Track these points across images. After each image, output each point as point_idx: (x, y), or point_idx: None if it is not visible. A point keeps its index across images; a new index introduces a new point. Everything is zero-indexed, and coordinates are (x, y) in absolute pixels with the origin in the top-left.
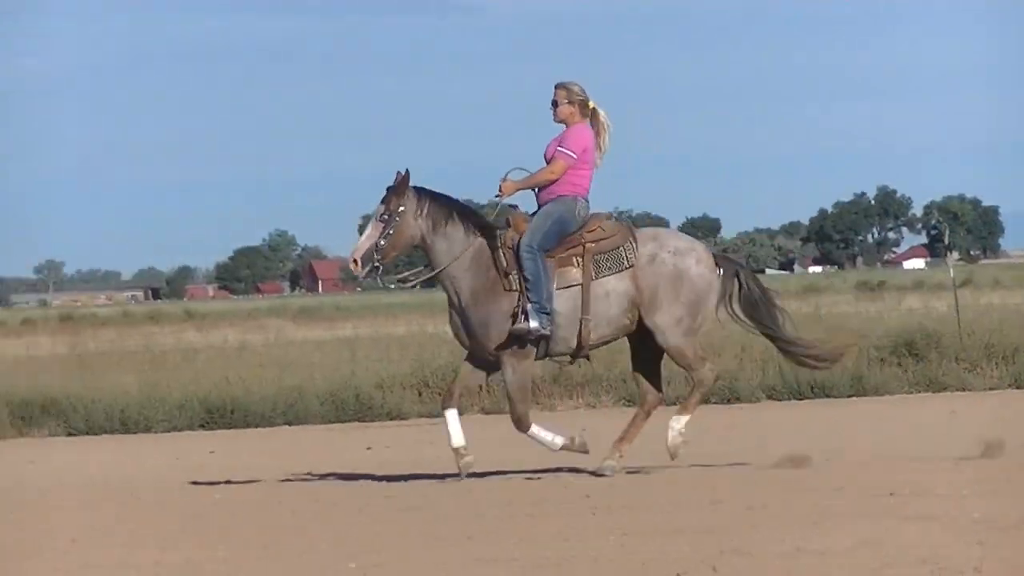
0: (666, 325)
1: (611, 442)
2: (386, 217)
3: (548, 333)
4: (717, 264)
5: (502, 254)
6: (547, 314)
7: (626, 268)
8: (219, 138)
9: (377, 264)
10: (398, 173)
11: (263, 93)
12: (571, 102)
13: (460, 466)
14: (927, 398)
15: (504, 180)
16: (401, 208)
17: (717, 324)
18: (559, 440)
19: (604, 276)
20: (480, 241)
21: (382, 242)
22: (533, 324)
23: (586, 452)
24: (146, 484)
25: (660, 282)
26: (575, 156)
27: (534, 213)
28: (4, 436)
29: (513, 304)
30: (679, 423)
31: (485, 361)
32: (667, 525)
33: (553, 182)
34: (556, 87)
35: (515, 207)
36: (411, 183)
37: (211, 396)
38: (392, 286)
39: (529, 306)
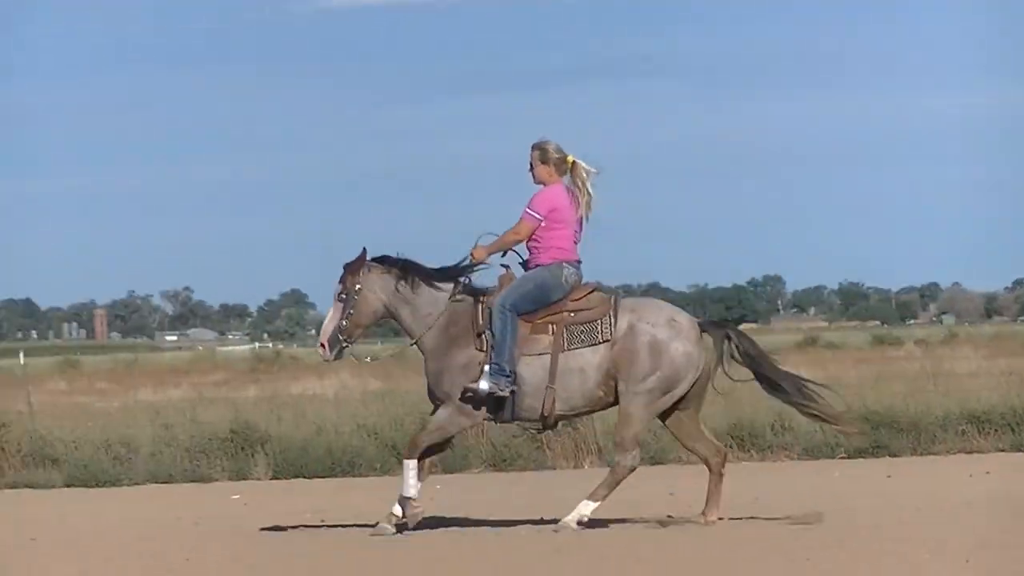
0: (630, 389)
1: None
2: (343, 296)
3: (504, 394)
4: (705, 331)
5: (480, 312)
6: (506, 376)
7: (600, 342)
8: None
9: (345, 344)
10: (362, 251)
11: None
12: (545, 162)
13: (408, 516)
14: None
15: (476, 247)
16: (358, 286)
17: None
18: (410, 493)
19: (576, 348)
20: (449, 303)
21: (344, 322)
22: (483, 385)
23: (405, 526)
24: None
25: (638, 351)
26: (539, 217)
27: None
28: None
29: (470, 358)
30: (586, 508)
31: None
32: None
33: (519, 242)
34: (531, 148)
35: (507, 267)
36: (367, 257)
37: None
38: (367, 360)
39: (487, 366)
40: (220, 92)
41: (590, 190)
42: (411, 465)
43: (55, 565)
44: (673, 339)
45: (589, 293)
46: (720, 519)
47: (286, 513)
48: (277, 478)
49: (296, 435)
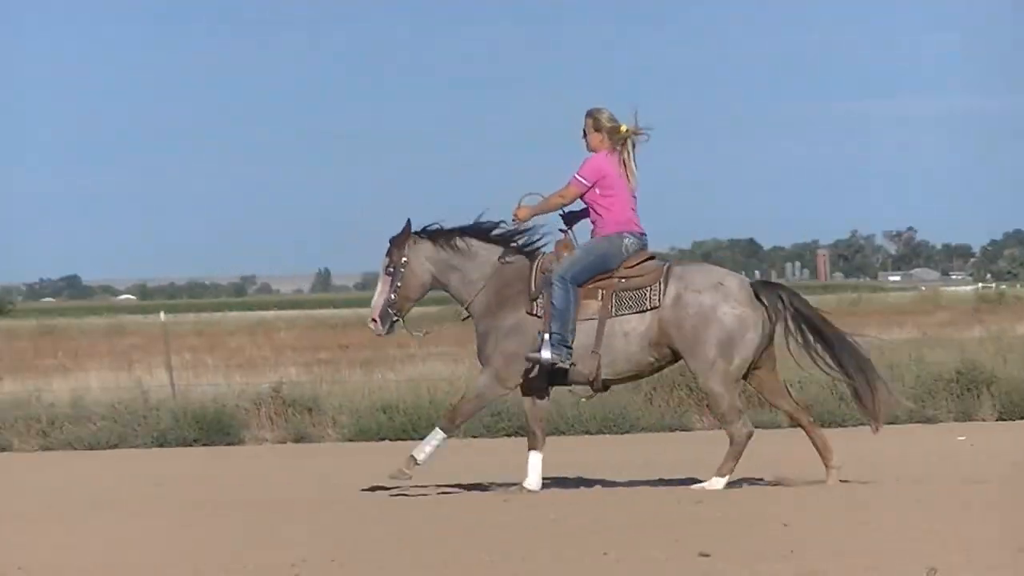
0: (699, 369)
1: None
2: (391, 270)
3: (565, 366)
4: (758, 295)
5: (534, 276)
6: (567, 347)
7: (648, 309)
8: None
9: (396, 318)
10: (406, 225)
11: None
12: (598, 130)
13: (395, 475)
14: None
15: (519, 206)
16: (404, 259)
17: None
18: (421, 458)
19: (624, 314)
20: (497, 257)
21: (393, 296)
22: (545, 355)
23: (406, 478)
24: None
25: (686, 324)
26: (587, 183)
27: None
28: None
29: (519, 321)
30: (718, 484)
31: (538, 387)
32: None
33: (563, 206)
34: (585, 115)
35: (566, 231)
36: (412, 229)
37: None
38: (422, 334)
39: (548, 336)
40: None
41: (635, 165)
42: (438, 437)
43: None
44: (720, 303)
45: (643, 261)
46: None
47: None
48: (1003, 419)
49: (1022, 376)
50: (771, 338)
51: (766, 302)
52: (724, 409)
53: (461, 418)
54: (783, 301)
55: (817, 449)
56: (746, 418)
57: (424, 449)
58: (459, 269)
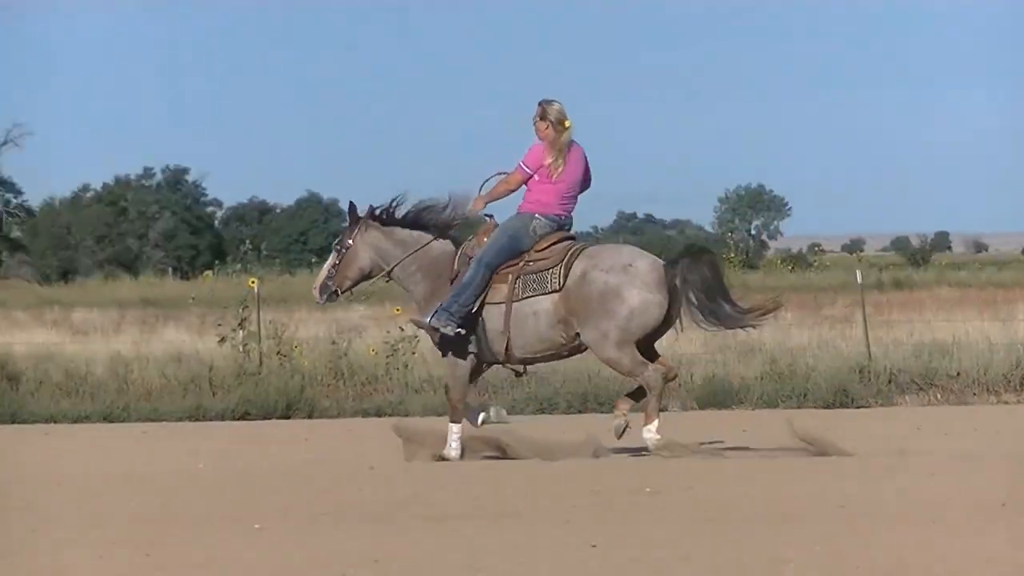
0: (594, 340)
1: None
2: (338, 248)
3: (447, 332)
4: (668, 273)
5: (457, 260)
6: (451, 315)
7: (551, 291)
8: None
9: (335, 290)
10: (350, 205)
11: None
12: (543, 118)
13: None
14: None
15: (478, 196)
16: (349, 240)
17: None
18: (452, 455)
19: (529, 296)
20: (431, 245)
21: (333, 271)
22: (426, 319)
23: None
24: None
25: (588, 299)
26: (529, 171)
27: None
28: None
29: (438, 290)
30: (650, 431)
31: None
32: None
33: (510, 192)
34: (537, 103)
35: (491, 216)
36: (360, 213)
37: None
38: (351, 300)
39: (440, 303)
40: None
41: (564, 149)
42: (455, 429)
43: None
44: (626, 285)
45: (553, 244)
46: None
47: None
48: None
49: None
50: (672, 320)
51: (672, 284)
52: (628, 367)
53: (458, 407)
54: (684, 280)
55: (647, 409)
56: (649, 368)
57: (451, 447)
58: (398, 259)
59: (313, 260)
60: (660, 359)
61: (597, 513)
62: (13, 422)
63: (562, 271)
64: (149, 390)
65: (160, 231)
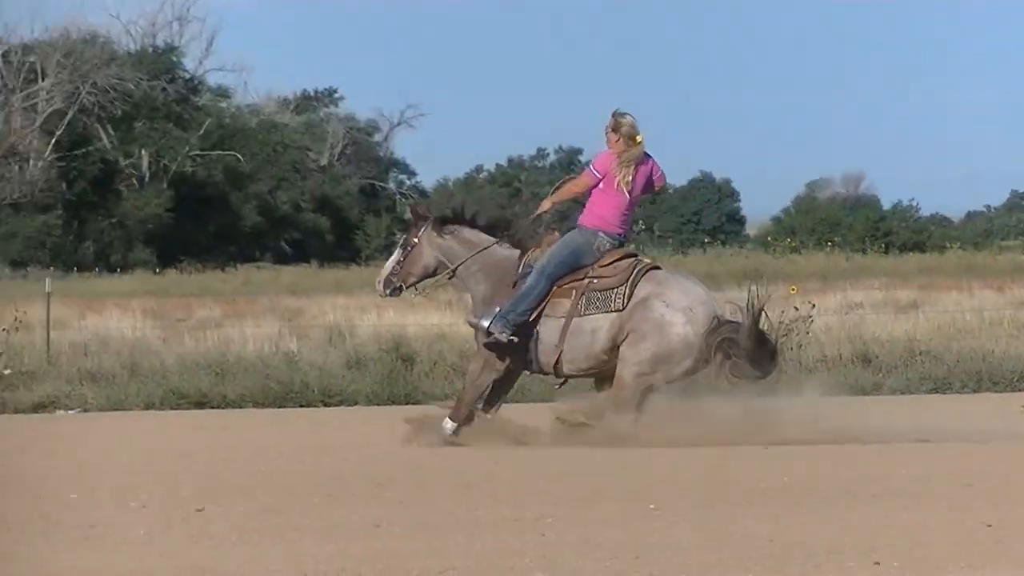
0: (626, 356)
1: None
2: (404, 246)
3: (500, 339)
4: (715, 330)
5: (520, 266)
6: (508, 323)
7: (613, 311)
8: None
9: (399, 285)
10: (414, 207)
11: None
12: (616, 130)
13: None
14: None
15: (548, 197)
16: (415, 239)
17: None
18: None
19: (591, 314)
20: (495, 248)
21: (398, 268)
22: (484, 322)
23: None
24: None
25: (642, 324)
26: (598, 175)
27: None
28: None
29: (497, 293)
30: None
31: (513, 369)
32: None
33: (577, 194)
34: (611, 114)
35: (556, 230)
36: (429, 215)
37: None
38: (415, 295)
39: (499, 308)
40: None
41: (633, 164)
42: (448, 427)
43: None
44: (680, 323)
45: (618, 260)
46: None
47: None
48: None
49: None
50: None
51: (717, 339)
52: (622, 399)
53: (466, 408)
54: (731, 342)
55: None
56: (636, 419)
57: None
58: (463, 258)
59: (706, 241)
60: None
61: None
62: (407, 402)
63: (627, 291)
64: None
65: (554, 212)
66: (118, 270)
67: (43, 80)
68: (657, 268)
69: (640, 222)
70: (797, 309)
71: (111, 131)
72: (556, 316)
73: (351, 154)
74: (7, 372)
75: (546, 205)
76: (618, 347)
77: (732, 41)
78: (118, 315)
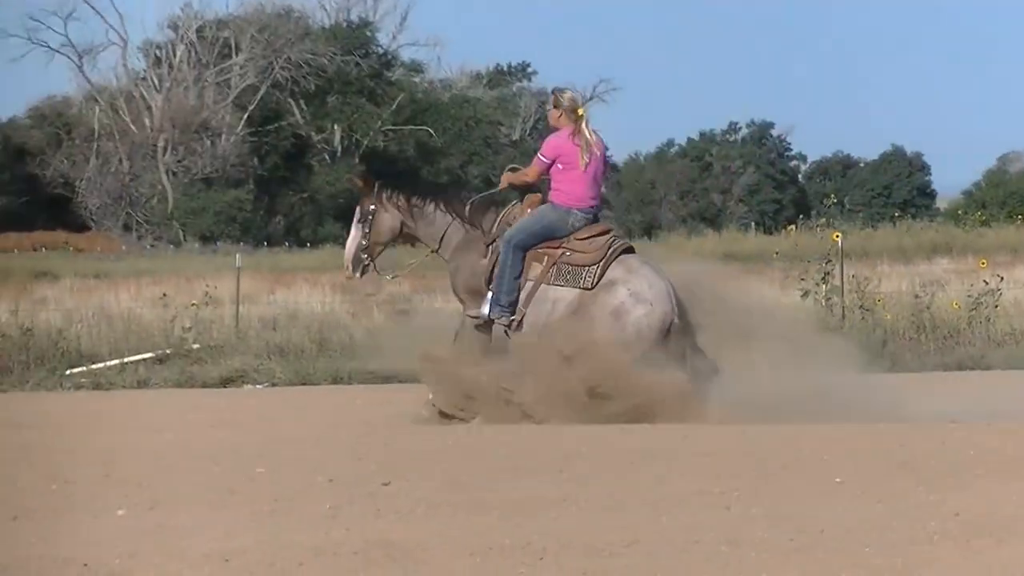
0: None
1: None
2: (361, 219)
3: (503, 323)
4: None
5: (496, 222)
6: (502, 307)
7: (581, 288)
8: None
9: (367, 263)
10: (360, 176)
11: None
12: (557, 107)
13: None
14: None
15: (506, 171)
16: (372, 207)
17: None
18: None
19: (559, 285)
20: (459, 215)
21: (364, 241)
22: (484, 310)
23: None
24: None
25: (601, 307)
26: (547, 161)
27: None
28: None
29: (484, 260)
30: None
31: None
32: None
33: (528, 184)
34: (551, 91)
35: (518, 203)
36: (375, 181)
37: None
38: (389, 277)
39: (490, 294)
40: None
41: (588, 136)
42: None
43: None
44: (642, 315)
45: (596, 236)
46: None
47: None
48: None
49: None
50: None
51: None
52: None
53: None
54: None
55: None
56: None
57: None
58: (425, 217)
59: (896, 215)
60: None
61: None
62: None
63: (598, 272)
64: None
65: (744, 186)
66: (308, 245)
67: (237, 55)
68: (631, 251)
69: (832, 195)
70: (987, 283)
71: (304, 106)
72: (526, 279)
73: (543, 128)
74: (196, 347)
75: (505, 181)
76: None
77: (923, 13)
78: (307, 290)
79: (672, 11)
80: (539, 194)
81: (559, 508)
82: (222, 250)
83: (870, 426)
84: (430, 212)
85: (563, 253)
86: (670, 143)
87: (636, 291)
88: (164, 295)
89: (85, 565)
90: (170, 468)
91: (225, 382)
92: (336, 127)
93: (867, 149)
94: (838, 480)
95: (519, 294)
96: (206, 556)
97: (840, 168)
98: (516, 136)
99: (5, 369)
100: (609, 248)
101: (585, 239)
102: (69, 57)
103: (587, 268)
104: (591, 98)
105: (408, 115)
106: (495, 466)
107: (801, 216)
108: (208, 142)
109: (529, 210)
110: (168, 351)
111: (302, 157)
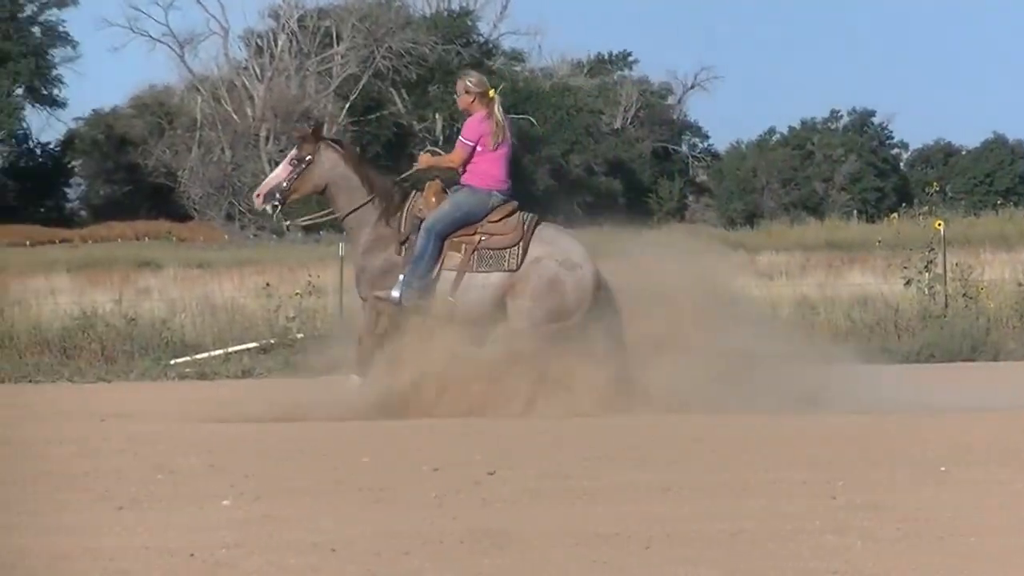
0: (516, 310)
1: None
2: (295, 161)
3: (407, 305)
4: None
5: (404, 217)
6: (414, 289)
7: (506, 271)
8: None
9: (278, 203)
10: (312, 127)
11: None
12: (468, 92)
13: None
14: None
15: (423, 152)
16: (309, 156)
17: None
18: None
19: (483, 271)
20: (379, 200)
21: (285, 184)
22: (395, 293)
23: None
24: None
25: (535, 281)
26: (471, 144)
27: (455, 190)
28: None
29: (388, 262)
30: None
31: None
32: None
33: (453, 168)
34: (457, 78)
35: (437, 177)
36: (323, 132)
37: None
38: (286, 224)
39: (402, 276)
40: None
41: (500, 118)
42: (356, 382)
43: None
44: (572, 282)
45: (507, 216)
46: None
47: None
48: None
49: None
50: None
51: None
52: (530, 346)
53: (366, 360)
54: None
55: None
56: None
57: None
58: (348, 188)
59: (998, 202)
60: None
61: None
62: None
63: (520, 252)
64: (835, 332)
65: (846, 174)
66: None
67: (338, 45)
68: (541, 224)
69: (934, 183)
70: None
71: (405, 95)
72: (448, 268)
73: (644, 117)
74: (300, 336)
75: (426, 161)
76: (506, 303)
77: None
78: None
79: None
80: (439, 181)
81: (664, 497)
82: (325, 239)
83: (973, 415)
84: (356, 186)
85: (481, 239)
86: (771, 131)
87: (564, 259)
88: (267, 284)
89: (192, 555)
90: (275, 458)
91: (329, 371)
92: (437, 116)
93: (969, 137)
94: (943, 469)
95: (431, 280)
96: (312, 546)
97: (942, 156)
98: (617, 125)
99: (110, 359)
100: (523, 226)
101: (498, 221)
102: (170, 46)
103: (508, 250)
104: (692, 86)
105: (509, 104)
106: (599, 454)
107: (903, 204)
108: (309, 131)
109: (434, 198)
110: (272, 341)
111: (404, 146)
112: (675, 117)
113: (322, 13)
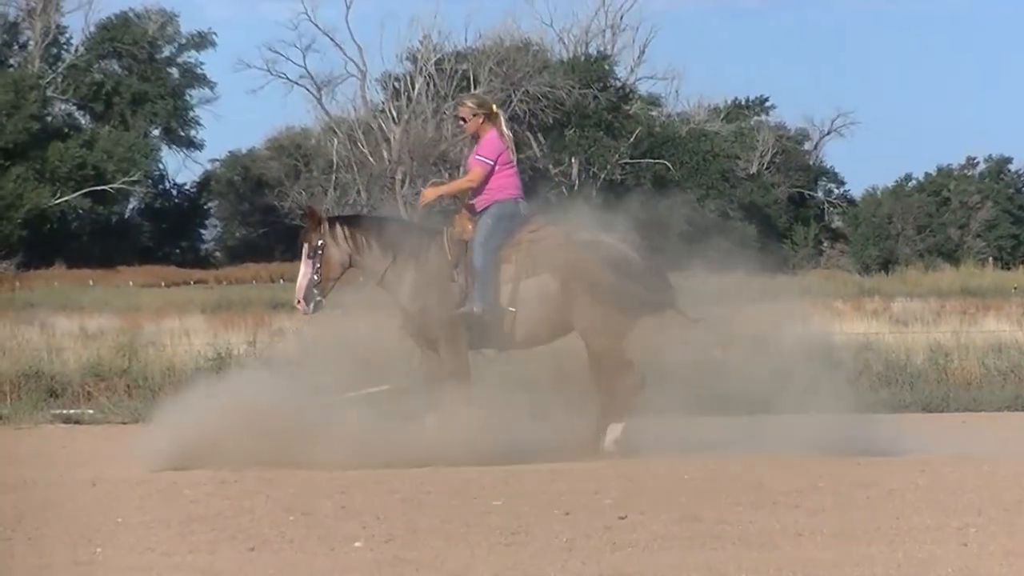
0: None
1: None
2: (311, 254)
3: (487, 318)
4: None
5: (446, 247)
6: (489, 301)
7: (557, 267)
8: None
9: (320, 298)
10: (307, 210)
11: None
12: (476, 115)
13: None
14: None
15: (427, 186)
16: (320, 241)
17: None
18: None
19: (535, 276)
20: (406, 251)
21: (315, 277)
22: (476, 308)
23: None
24: None
25: (591, 254)
26: (491, 162)
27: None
28: None
29: (451, 293)
30: (615, 432)
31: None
32: None
33: (473, 188)
34: (457, 105)
35: (459, 200)
36: (321, 215)
37: None
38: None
39: (475, 293)
40: None
41: (507, 133)
42: (434, 422)
43: None
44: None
45: (541, 224)
46: None
47: None
48: None
49: None
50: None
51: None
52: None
53: (464, 396)
54: None
55: None
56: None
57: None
58: (372, 250)
59: None
60: None
61: None
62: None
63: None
64: (969, 380)
65: (982, 220)
66: None
67: (475, 88)
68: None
69: None
70: None
71: (541, 139)
72: (504, 282)
73: (780, 162)
74: None
75: (431, 193)
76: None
77: None
78: None
79: (910, 46)
80: (465, 212)
81: (795, 541)
82: None
83: None
84: (376, 247)
85: (527, 247)
86: (908, 177)
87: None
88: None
89: None
90: (407, 501)
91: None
92: (574, 160)
93: None
94: None
95: (498, 291)
96: None
97: None
98: (753, 170)
99: None
100: (556, 229)
101: (537, 228)
102: (308, 89)
103: (555, 248)
104: (829, 132)
105: (645, 148)
106: (730, 499)
107: None
108: (446, 175)
109: (469, 224)
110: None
111: (540, 190)
112: (811, 162)
113: (460, 56)
